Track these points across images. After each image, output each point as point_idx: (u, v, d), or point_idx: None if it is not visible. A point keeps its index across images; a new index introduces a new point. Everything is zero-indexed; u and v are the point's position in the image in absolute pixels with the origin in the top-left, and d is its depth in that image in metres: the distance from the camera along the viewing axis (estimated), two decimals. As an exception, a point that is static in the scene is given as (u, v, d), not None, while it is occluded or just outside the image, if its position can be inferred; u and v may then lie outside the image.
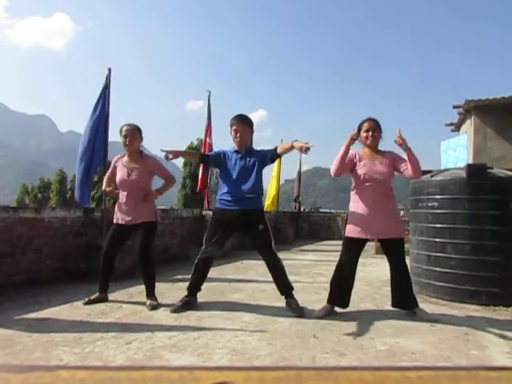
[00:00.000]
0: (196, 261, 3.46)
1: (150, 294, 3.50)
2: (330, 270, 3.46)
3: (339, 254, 3.32)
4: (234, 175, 3.41)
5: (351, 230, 3.20)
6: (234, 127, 3.45)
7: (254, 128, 3.62)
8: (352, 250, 3.25)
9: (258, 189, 3.42)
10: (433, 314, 3.24)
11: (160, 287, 3.87)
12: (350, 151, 3.22)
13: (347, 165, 3.21)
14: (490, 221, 3.71)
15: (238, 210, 3.34)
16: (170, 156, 3.29)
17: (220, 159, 3.51)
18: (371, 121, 3.27)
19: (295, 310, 3.24)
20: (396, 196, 3.35)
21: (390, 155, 3.27)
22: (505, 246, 3.66)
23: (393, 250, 3.23)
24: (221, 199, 3.46)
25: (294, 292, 3.43)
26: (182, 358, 2.27)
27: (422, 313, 3.20)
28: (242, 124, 3.46)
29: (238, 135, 3.43)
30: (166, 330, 2.77)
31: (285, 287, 3.42)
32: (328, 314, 3.22)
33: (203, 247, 3.43)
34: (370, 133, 3.23)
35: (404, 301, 3.26)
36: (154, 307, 3.34)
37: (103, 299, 3.54)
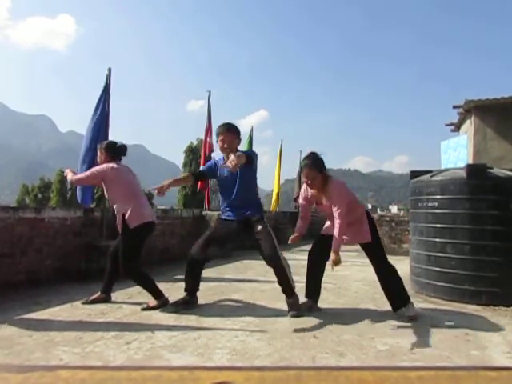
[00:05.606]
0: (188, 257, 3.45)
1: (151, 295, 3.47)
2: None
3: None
4: (225, 186, 3.43)
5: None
6: (220, 137, 3.35)
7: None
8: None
9: (248, 198, 3.36)
10: (414, 314, 3.16)
11: (160, 287, 3.86)
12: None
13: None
14: (489, 221, 3.71)
15: (235, 220, 3.37)
16: (161, 191, 3.19)
17: (213, 170, 3.49)
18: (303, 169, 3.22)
19: (294, 310, 3.23)
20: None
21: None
22: (505, 246, 3.66)
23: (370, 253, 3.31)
24: (222, 210, 3.56)
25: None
26: (182, 358, 2.27)
27: (405, 311, 3.15)
28: (229, 133, 3.36)
29: (226, 145, 3.33)
30: (166, 329, 2.77)
31: (286, 288, 3.35)
32: (310, 309, 3.27)
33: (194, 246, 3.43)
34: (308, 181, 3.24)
35: (398, 301, 3.22)
36: (146, 308, 3.32)
37: (105, 300, 3.53)
